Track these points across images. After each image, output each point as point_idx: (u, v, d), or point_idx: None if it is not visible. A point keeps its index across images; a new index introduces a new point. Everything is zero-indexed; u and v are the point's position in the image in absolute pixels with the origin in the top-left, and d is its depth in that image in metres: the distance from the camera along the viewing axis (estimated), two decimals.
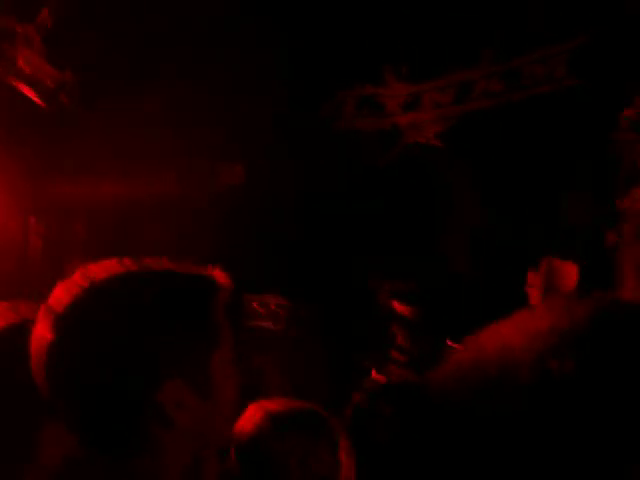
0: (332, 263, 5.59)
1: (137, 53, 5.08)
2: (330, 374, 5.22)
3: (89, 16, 4.79)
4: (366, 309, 5.51)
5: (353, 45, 5.55)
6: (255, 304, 5.56)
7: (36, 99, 4.80)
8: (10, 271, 5.09)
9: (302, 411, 1.93)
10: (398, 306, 5.15)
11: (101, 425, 1.29)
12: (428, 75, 5.75)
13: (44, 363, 1.28)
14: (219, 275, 1.40)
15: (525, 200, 5.15)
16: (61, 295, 1.31)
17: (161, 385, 1.27)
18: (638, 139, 2.80)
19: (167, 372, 1.28)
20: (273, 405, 1.94)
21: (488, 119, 5.50)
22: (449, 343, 4.39)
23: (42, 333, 1.29)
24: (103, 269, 1.34)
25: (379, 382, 3.38)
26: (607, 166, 3.74)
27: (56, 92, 4.82)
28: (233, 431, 1.81)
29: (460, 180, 5.54)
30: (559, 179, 4.86)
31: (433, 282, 5.39)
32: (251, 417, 1.90)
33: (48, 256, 5.37)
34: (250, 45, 5.30)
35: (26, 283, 4.99)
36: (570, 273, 2.97)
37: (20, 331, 1.38)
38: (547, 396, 0.88)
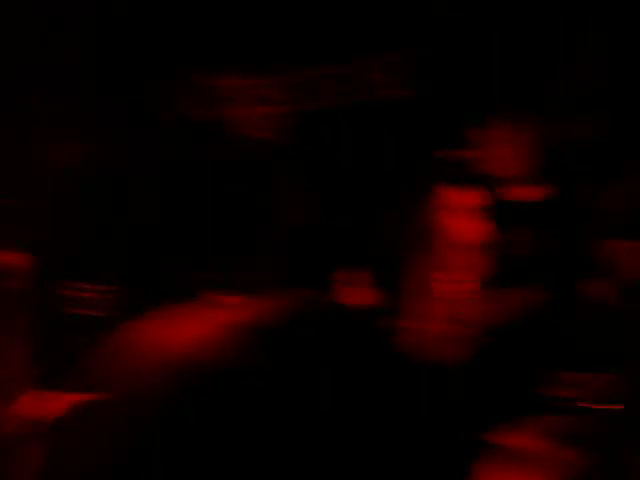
0: (161, 253, 5.52)
1: None
2: None
3: None
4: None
5: (191, 33, 5.52)
6: (78, 290, 5.42)
7: None
8: None
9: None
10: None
11: None
12: (265, 70, 5.80)
13: None
14: (8, 259, 1.35)
15: (351, 202, 5.29)
16: None
17: None
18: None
19: None
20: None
21: (323, 119, 5.61)
22: None
23: None
24: None
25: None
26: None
27: None
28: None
29: (296, 177, 5.62)
30: (381, 186, 5.01)
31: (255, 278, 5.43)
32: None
33: None
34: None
35: None
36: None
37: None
38: (231, 386, 0.90)
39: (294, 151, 5.67)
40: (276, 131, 5.77)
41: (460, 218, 2.52)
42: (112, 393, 0.90)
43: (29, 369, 4.75)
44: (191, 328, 0.96)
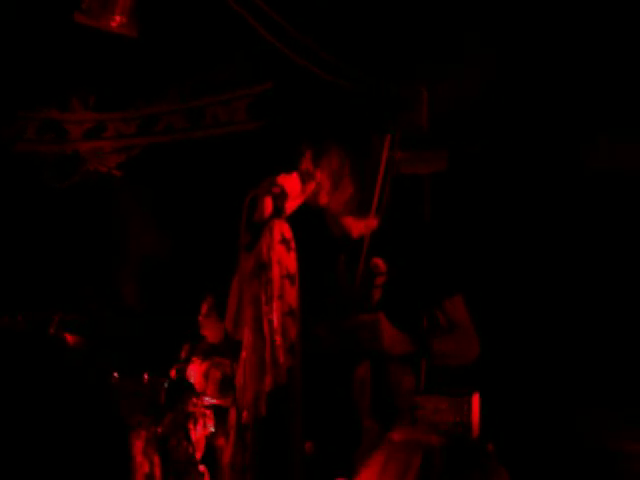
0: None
1: None
2: None
3: None
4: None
5: (39, 68, 5.46)
6: None
7: None
8: None
9: None
10: (69, 337, 5.10)
11: None
12: (114, 105, 5.79)
13: None
14: None
15: (201, 233, 5.34)
16: None
17: None
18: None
19: None
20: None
21: (171, 153, 5.64)
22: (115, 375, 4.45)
23: None
24: None
25: None
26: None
27: None
28: None
29: (137, 210, 5.62)
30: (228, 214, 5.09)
31: (104, 313, 5.41)
32: None
33: None
34: None
35: None
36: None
37: None
38: None
39: (139, 184, 5.68)
40: (125, 165, 5.76)
41: (283, 251, 2.63)
42: None
43: None
44: None
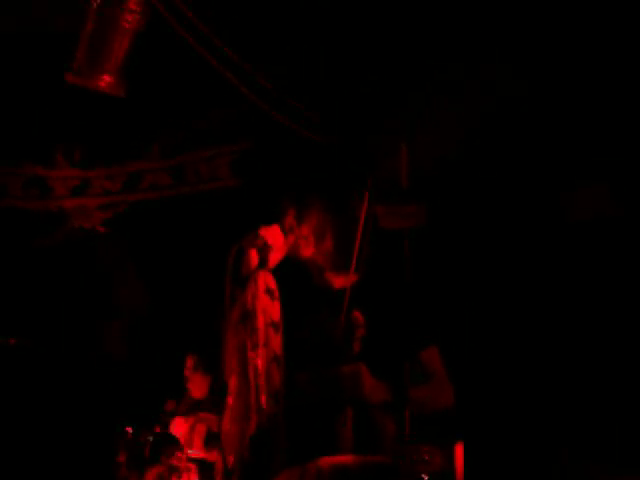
0: None
1: None
2: None
3: None
4: None
5: (25, 123, 5.55)
6: None
7: None
8: None
9: None
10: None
11: None
12: (99, 162, 5.88)
13: None
14: None
15: (185, 288, 5.40)
16: None
17: None
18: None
19: None
20: None
21: (155, 209, 5.72)
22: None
23: None
24: None
25: None
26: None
27: None
28: None
29: (122, 266, 5.68)
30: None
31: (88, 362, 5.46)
32: None
33: None
34: None
35: None
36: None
37: None
38: None
39: (124, 240, 5.75)
40: (110, 221, 5.83)
41: (268, 300, 2.74)
42: None
43: None
44: None
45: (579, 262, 4.84)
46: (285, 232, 3.11)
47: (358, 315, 3.22)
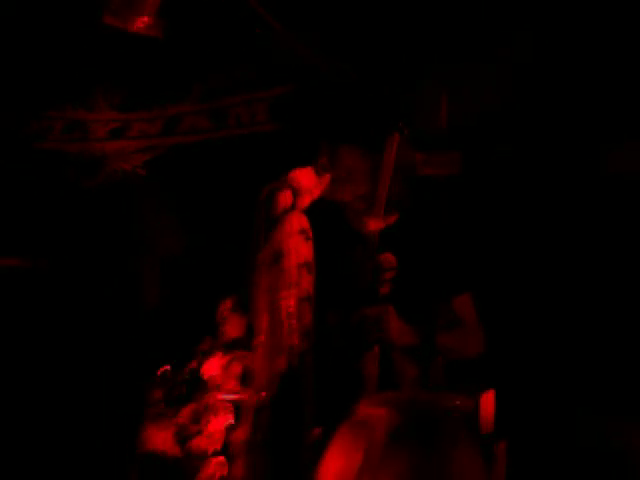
0: None
1: None
2: None
3: None
4: None
5: (65, 67, 5.59)
6: None
7: None
8: None
9: None
10: None
11: None
12: (138, 105, 5.91)
13: None
14: None
15: (222, 231, 5.45)
16: None
17: None
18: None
19: None
20: None
21: (194, 152, 5.76)
22: None
23: None
24: None
25: None
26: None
27: None
28: None
29: (159, 208, 5.73)
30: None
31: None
32: None
33: None
34: None
35: None
36: None
37: None
38: None
39: (162, 182, 5.80)
40: (149, 164, 5.88)
41: (300, 241, 2.76)
42: None
43: None
44: None
45: (616, 214, 4.81)
46: (318, 172, 3.12)
47: (390, 257, 3.24)
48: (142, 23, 4.02)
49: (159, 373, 4.93)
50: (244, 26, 5.13)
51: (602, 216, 4.84)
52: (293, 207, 2.86)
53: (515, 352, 4.48)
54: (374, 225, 3.27)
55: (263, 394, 2.74)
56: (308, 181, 2.99)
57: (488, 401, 3.77)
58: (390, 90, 4.53)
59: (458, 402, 3.61)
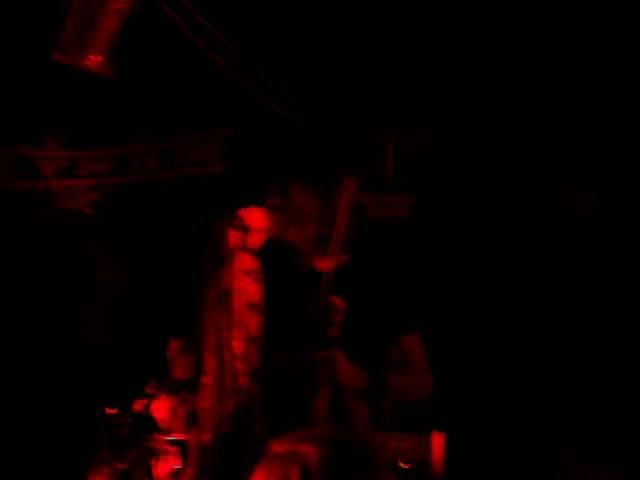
0: None
1: None
2: None
3: None
4: None
5: (13, 104, 5.53)
6: None
7: None
8: None
9: None
10: None
11: None
12: (87, 144, 5.86)
13: None
14: None
15: (168, 270, 5.40)
16: None
17: None
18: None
19: None
20: None
21: (142, 192, 5.71)
22: None
23: None
24: None
25: None
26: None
27: None
28: None
29: (105, 248, 5.67)
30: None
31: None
32: None
33: None
34: None
35: None
36: None
37: None
38: None
39: (109, 222, 5.74)
40: (96, 203, 5.81)
41: (249, 281, 2.74)
42: None
43: None
44: None
45: (558, 257, 4.87)
46: (269, 214, 3.12)
47: (338, 300, 3.23)
48: (91, 61, 4.00)
49: (104, 416, 4.83)
50: (195, 68, 5.14)
51: (545, 258, 4.91)
52: (243, 247, 2.84)
53: (464, 392, 4.49)
54: (325, 265, 3.26)
55: (207, 435, 2.69)
56: (256, 221, 2.98)
57: (438, 443, 3.76)
58: (340, 130, 4.56)
59: (407, 445, 3.59)
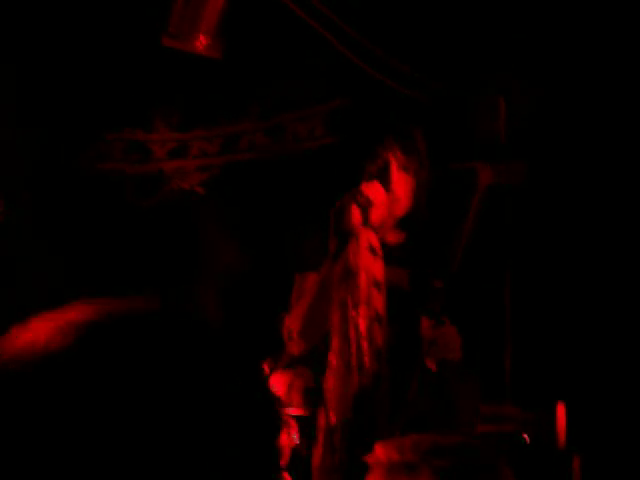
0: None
1: None
2: None
3: None
4: None
5: (123, 89, 5.65)
6: None
7: None
8: None
9: None
10: None
11: None
12: (196, 124, 5.94)
13: None
14: None
15: (283, 248, 5.43)
16: None
17: None
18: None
19: None
20: None
21: (253, 170, 5.76)
22: None
23: None
24: None
25: None
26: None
27: None
28: None
29: (218, 227, 5.73)
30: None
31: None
32: None
33: None
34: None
35: None
36: None
37: None
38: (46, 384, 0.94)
39: (220, 201, 5.81)
40: (208, 183, 5.90)
41: (370, 258, 2.72)
42: None
43: None
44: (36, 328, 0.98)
45: None
46: (385, 187, 3.08)
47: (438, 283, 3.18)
48: (200, 44, 4.03)
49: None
50: (299, 38, 5.13)
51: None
52: (363, 223, 2.82)
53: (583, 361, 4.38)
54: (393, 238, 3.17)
55: (333, 416, 2.69)
56: (376, 196, 2.95)
57: (560, 414, 3.68)
58: (450, 96, 4.48)
59: (529, 417, 3.54)
